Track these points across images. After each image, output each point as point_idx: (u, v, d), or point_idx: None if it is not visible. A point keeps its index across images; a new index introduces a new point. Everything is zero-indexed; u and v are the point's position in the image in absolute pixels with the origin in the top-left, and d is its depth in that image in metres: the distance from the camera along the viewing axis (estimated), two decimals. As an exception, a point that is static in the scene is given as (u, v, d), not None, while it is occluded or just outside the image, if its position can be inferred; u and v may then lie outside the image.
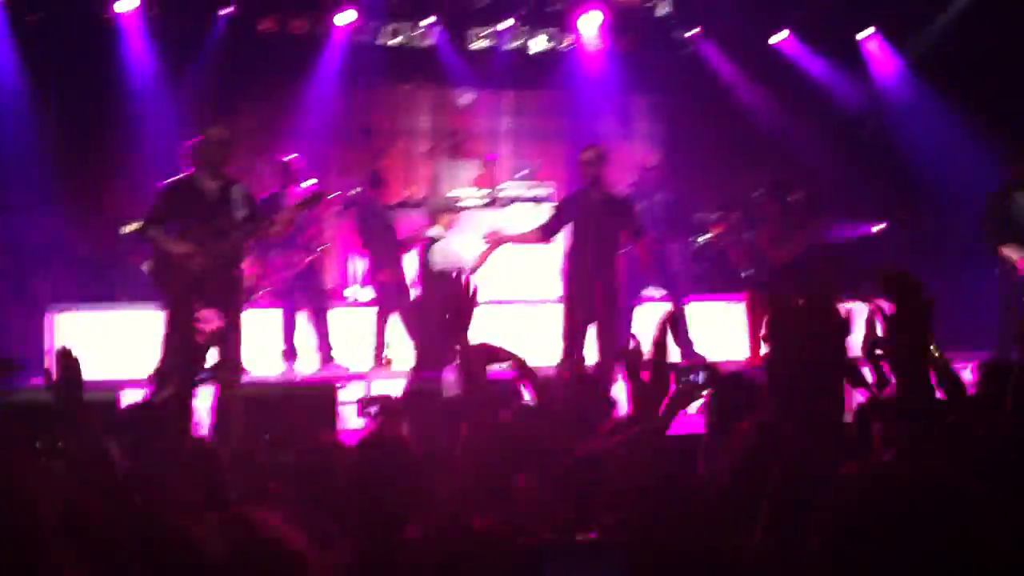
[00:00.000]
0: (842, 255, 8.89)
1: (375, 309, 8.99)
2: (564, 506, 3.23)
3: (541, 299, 9.13)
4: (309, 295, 8.81)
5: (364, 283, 9.36)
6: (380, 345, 8.85)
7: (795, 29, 11.94)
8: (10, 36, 9.99)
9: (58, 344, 8.06)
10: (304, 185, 8.89)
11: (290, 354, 8.79)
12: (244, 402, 6.37)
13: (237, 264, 6.76)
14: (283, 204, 8.74)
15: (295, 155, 9.25)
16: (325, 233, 9.12)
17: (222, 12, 10.85)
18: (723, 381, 4.30)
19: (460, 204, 8.74)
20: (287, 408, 6.49)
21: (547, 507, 3.24)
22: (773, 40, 12.05)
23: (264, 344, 8.74)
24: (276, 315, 8.88)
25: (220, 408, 6.32)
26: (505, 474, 3.47)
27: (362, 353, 8.89)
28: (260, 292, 8.95)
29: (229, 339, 6.65)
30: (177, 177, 6.72)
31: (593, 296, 7.70)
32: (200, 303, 6.59)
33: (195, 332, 6.60)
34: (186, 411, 5.82)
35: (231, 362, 6.54)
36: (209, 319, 6.56)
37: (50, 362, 7.67)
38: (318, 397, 6.89)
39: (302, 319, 8.85)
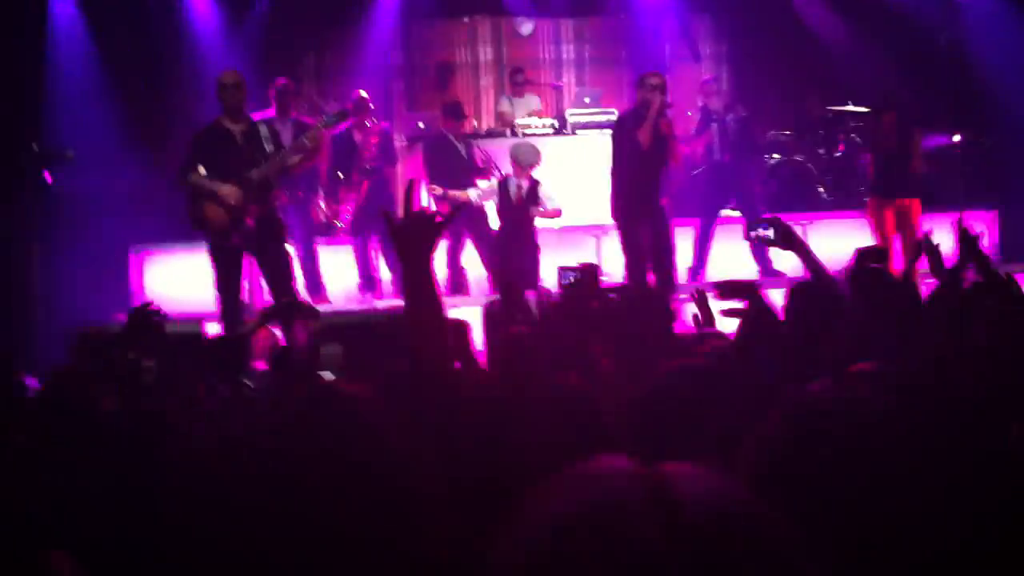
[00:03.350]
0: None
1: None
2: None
3: (597, 224, 9.10)
4: (381, 226, 8.84)
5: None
6: (453, 271, 8.87)
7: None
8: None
9: (145, 284, 8.32)
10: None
11: (368, 285, 8.87)
12: (320, 332, 6.42)
13: (271, 194, 6.98)
14: (357, 141, 8.84)
15: (362, 91, 9.28)
16: (381, 157, 9.10)
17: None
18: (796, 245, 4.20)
19: (539, 153, 8.68)
20: (363, 337, 6.51)
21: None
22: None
23: (343, 276, 8.84)
24: (350, 249, 8.98)
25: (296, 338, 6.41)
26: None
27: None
28: (335, 226, 9.10)
29: (279, 273, 6.90)
30: (205, 125, 7.08)
31: (652, 216, 7.79)
32: (240, 240, 6.78)
33: (239, 270, 6.82)
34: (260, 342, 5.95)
35: (290, 294, 6.71)
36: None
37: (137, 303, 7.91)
38: (394, 325, 6.88)
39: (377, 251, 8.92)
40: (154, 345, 4.42)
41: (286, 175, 7.22)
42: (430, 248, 2.78)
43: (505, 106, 10.70)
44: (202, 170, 6.84)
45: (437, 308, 2.88)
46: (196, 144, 6.98)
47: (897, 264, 8.05)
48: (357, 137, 8.97)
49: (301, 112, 9.08)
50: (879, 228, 8.48)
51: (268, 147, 6.92)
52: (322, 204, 9.21)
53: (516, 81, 10.91)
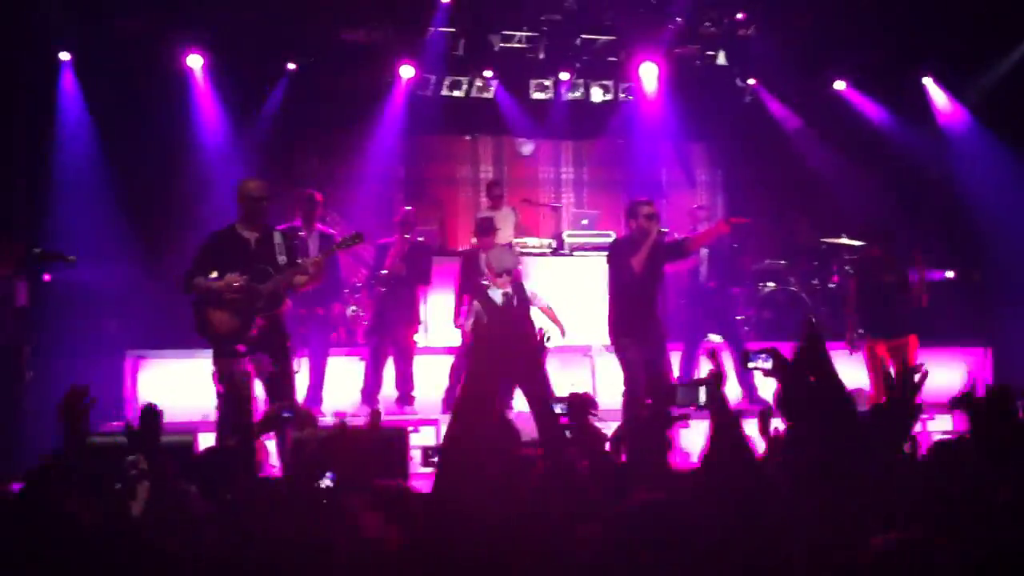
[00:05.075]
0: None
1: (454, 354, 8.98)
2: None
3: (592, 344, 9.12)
4: (394, 337, 8.85)
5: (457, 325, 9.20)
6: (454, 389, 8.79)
7: (853, 76, 11.93)
8: (83, 91, 10.25)
9: (138, 390, 8.24)
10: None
11: (370, 395, 8.81)
12: (318, 443, 6.33)
13: (279, 306, 6.86)
14: (390, 253, 8.90)
15: (410, 207, 9.38)
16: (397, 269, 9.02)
17: (287, 65, 11.05)
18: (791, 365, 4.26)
19: (516, 261, 8.57)
20: (358, 450, 6.43)
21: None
22: (833, 87, 12.04)
23: (346, 385, 8.83)
24: (358, 358, 9.03)
25: (294, 449, 6.31)
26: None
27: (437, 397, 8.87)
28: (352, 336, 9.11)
29: (282, 381, 6.75)
30: (219, 228, 6.94)
31: (647, 339, 7.77)
32: (245, 348, 6.67)
33: (244, 377, 6.67)
34: (255, 453, 5.88)
35: (290, 402, 6.60)
36: (262, 363, 6.68)
37: (131, 411, 7.82)
38: (390, 441, 6.82)
39: (386, 361, 8.90)
40: (153, 453, 4.38)
41: (292, 291, 7.09)
42: None
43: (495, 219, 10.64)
44: (214, 274, 6.72)
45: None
46: (207, 249, 6.83)
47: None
48: (391, 248, 8.99)
49: (327, 221, 9.16)
50: (874, 367, 8.47)
51: (281, 258, 6.81)
52: (348, 311, 9.21)
53: (493, 195, 10.88)
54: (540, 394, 7.70)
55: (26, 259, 7.95)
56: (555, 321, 8.37)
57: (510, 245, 9.49)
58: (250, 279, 6.70)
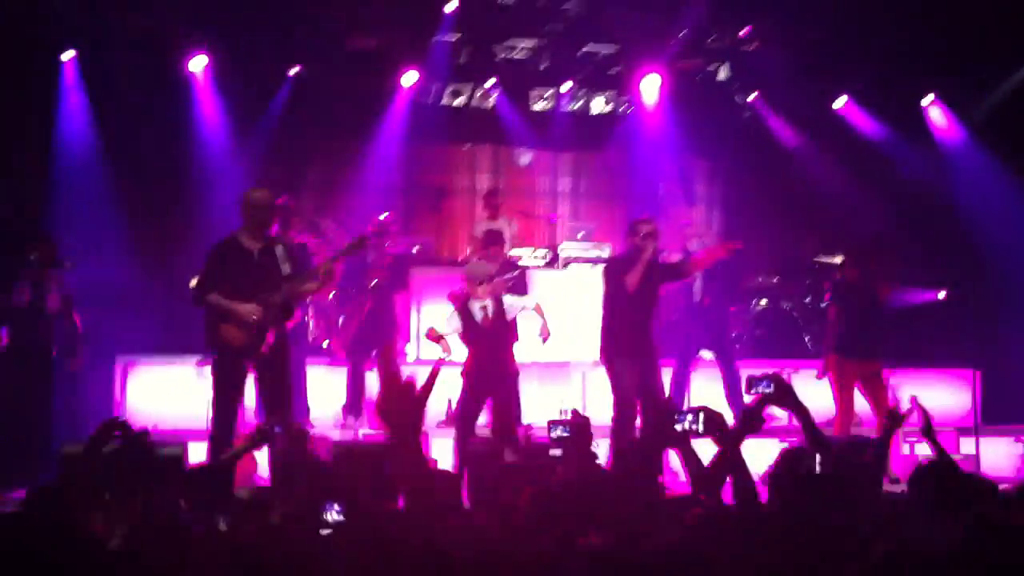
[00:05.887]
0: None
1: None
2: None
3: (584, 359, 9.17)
4: (380, 348, 8.85)
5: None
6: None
7: (855, 94, 11.95)
8: (86, 90, 10.30)
9: (127, 397, 8.28)
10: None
11: (353, 410, 8.82)
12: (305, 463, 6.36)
13: (288, 318, 6.82)
14: (369, 261, 8.85)
15: (387, 213, 9.40)
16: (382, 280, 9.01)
17: (290, 71, 11.10)
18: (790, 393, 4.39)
19: (493, 270, 8.19)
20: (344, 467, 6.40)
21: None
22: (834, 105, 12.06)
23: (329, 399, 8.84)
24: (342, 371, 8.97)
25: (281, 465, 6.34)
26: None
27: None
28: (327, 346, 9.07)
29: (279, 396, 6.71)
30: (222, 239, 6.83)
31: (641, 359, 7.75)
32: (250, 364, 6.67)
33: (241, 393, 6.69)
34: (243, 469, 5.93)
35: (287, 419, 6.60)
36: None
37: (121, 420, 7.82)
38: (377, 457, 6.78)
39: (370, 375, 8.88)
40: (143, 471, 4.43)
41: (300, 300, 7.04)
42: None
43: (479, 230, 10.46)
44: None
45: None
46: (213, 260, 6.73)
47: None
48: (371, 257, 8.93)
49: (301, 230, 9.15)
50: (841, 389, 8.40)
51: (284, 267, 6.71)
52: (312, 323, 9.23)
53: (491, 204, 10.73)
54: (506, 416, 7.69)
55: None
56: (542, 318, 8.03)
57: (510, 259, 9.51)
58: (259, 289, 6.62)
